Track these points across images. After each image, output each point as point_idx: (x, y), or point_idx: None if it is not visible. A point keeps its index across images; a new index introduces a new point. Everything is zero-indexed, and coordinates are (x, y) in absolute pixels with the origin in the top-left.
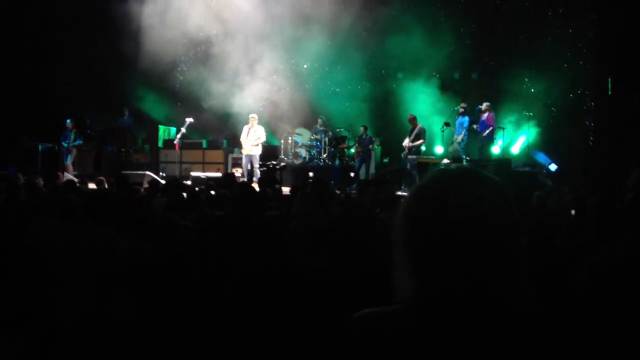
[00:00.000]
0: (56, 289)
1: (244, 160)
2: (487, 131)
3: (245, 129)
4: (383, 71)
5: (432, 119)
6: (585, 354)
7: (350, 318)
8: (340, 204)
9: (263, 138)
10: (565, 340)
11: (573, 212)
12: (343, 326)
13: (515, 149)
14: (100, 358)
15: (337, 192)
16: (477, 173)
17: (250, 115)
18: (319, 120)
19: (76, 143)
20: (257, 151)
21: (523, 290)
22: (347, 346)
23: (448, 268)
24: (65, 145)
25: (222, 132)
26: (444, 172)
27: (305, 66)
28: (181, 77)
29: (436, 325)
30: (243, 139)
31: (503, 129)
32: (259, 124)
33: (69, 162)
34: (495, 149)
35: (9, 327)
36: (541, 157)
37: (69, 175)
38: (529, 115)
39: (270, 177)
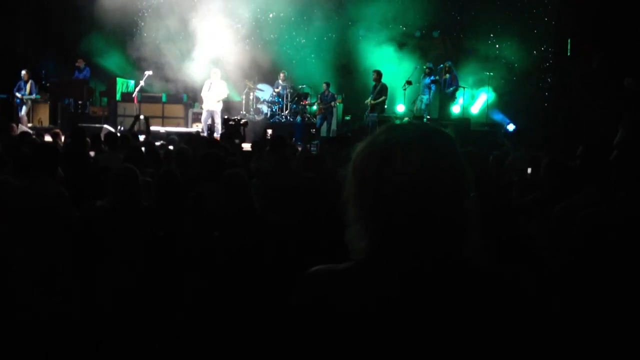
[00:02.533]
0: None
1: (204, 115)
2: (450, 90)
3: (207, 83)
4: (349, 23)
5: (393, 78)
6: (532, 305)
7: (303, 274)
8: (300, 159)
9: (225, 94)
10: (514, 292)
11: (529, 170)
12: (296, 282)
13: (475, 109)
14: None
15: (298, 148)
16: (425, 126)
17: (213, 70)
18: (281, 75)
19: (32, 96)
20: (219, 107)
21: (473, 244)
22: (299, 303)
23: (396, 224)
24: (19, 96)
25: (182, 85)
26: (393, 127)
27: (271, 15)
28: (141, 27)
29: (387, 281)
30: (204, 93)
31: (463, 88)
32: (221, 78)
33: (23, 113)
34: (456, 109)
35: None
36: (500, 117)
37: (23, 127)
38: (490, 75)
39: (233, 133)
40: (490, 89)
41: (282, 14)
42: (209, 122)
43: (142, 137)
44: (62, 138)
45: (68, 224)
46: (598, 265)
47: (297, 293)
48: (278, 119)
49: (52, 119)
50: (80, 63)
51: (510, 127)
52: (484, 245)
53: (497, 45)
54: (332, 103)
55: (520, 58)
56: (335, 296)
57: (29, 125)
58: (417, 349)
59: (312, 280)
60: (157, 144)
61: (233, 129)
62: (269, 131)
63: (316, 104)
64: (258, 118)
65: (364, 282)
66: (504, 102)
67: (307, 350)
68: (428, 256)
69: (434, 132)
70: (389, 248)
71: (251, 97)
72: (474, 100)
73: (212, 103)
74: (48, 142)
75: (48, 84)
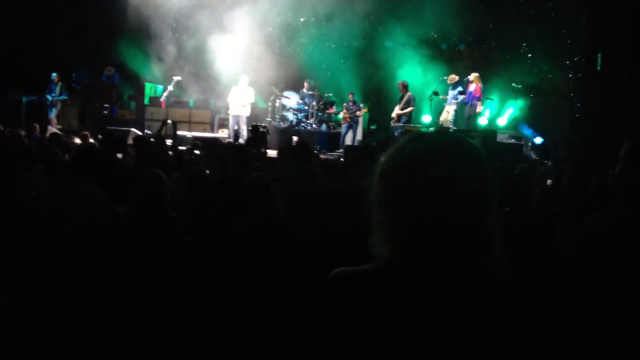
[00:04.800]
0: (43, 246)
1: (230, 121)
2: (475, 102)
3: (234, 89)
4: (379, 29)
5: (420, 88)
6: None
7: (327, 275)
8: (323, 165)
9: (252, 99)
10: (531, 304)
11: (549, 182)
12: (320, 284)
13: (502, 121)
14: (85, 314)
15: (321, 156)
16: (451, 136)
17: (241, 76)
18: (305, 84)
19: (61, 97)
20: (245, 112)
21: (496, 256)
22: (323, 304)
23: (420, 232)
24: (50, 98)
25: (211, 91)
26: (419, 135)
27: (302, 19)
28: (171, 32)
29: (410, 287)
30: (231, 99)
31: (491, 100)
32: (249, 85)
33: (53, 115)
34: (483, 120)
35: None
36: (527, 130)
37: (52, 129)
38: (517, 87)
39: (258, 138)
40: (517, 101)
41: (313, 19)
42: (235, 127)
43: (169, 142)
44: (90, 140)
45: (105, 230)
46: (607, 279)
47: (320, 293)
48: (303, 126)
49: (81, 121)
50: (110, 71)
51: (538, 140)
52: (507, 256)
53: (526, 58)
54: (358, 112)
55: (549, 71)
56: (356, 296)
57: (58, 127)
58: (430, 351)
59: (335, 281)
60: (183, 148)
61: (258, 135)
62: (295, 138)
63: (341, 112)
64: (283, 125)
65: (384, 284)
66: (531, 115)
67: (327, 349)
68: (448, 264)
69: (460, 142)
70: (411, 254)
71: (277, 104)
72: (501, 113)
73: (238, 108)
74: (90, 145)
75: (78, 87)
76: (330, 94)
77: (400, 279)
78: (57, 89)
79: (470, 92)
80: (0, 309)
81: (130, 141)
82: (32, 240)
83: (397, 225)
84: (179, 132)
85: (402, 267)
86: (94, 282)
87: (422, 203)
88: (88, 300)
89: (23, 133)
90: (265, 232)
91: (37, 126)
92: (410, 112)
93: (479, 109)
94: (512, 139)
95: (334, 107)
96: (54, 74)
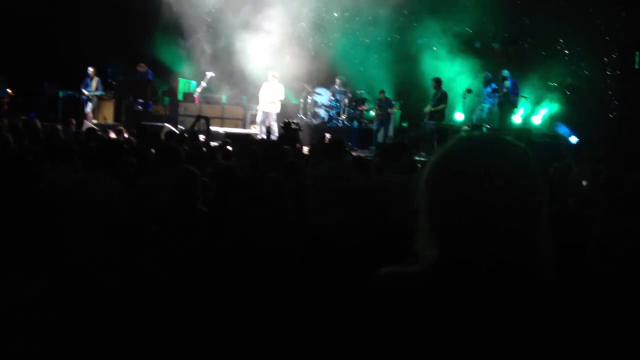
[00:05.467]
0: (67, 235)
1: (259, 117)
2: (511, 99)
3: (265, 85)
4: (414, 25)
5: (453, 85)
6: (600, 322)
7: (374, 275)
8: (355, 162)
9: (282, 96)
10: (580, 308)
11: (584, 183)
12: (366, 282)
13: (536, 120)
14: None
15: (354, 153)
16: (501, 139)
17: (271, 72)
18: (337, 80)
19: (97, 93)
20: (275, 109)
21: (544, 258)
22: (370, 303)
23: (469, 235)
24: (86, 92)
25: (243, 87)
26: (468, 139)
27: (335, 14)
28: (206, 28)
29: (457, 290)
30: (261, 95)
31: (525, 98)
32: (280, 81)
33: (88, 110)
34: (517, 119)
35: (27, 270)
36: (562, 129)
37: (88, 124)
38: (553, 85)
39: (290, 135)
40: (553, 99)
41: (346, 14)
42: (265, 124)
43: (202, 137)
44: (125, 135)
45: (121, 221)
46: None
47: (369, 292)
48: (335, 123)
49: (116, 116)
50: (142, 67)
51: (573, 139)
52: (554, 258)
53: (562, 55)
54: (389, 109)
55: (585, 68)
56: (404, 297)
57: (94, 121)
58: (477, 353)
59: (383, 281)
60: (214, 144)
61: (290, 131)
62: (327, 135)
63: (373, 109)
64: (315, 122)
65: (431, 285)
66: (567, 114)
67: (372, 349)
68: (497, 266)
69: (508, 145)
70: (457, 255)
71: (309, 101)
72: (536, 111)
73: (267, 105)
74: (112, 139)
75: (113, 82)
76: (362, 91)
77: (447, 281)
78: (93, 84)
79: (507, 89)
80: (32, 298)
81: (163, 137)
82: (55, 230)
83: (444, 227)
84: (212, 128)
85: (449, 269)
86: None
87: (470, 203)
88: (110, 288)
89: (60, 127)
90: (274, 228)
91: (74, 121)
92: (442, 110)
93: (514, 107)
94: (547, 137)
95: (366, 104)
96: (90, 68)
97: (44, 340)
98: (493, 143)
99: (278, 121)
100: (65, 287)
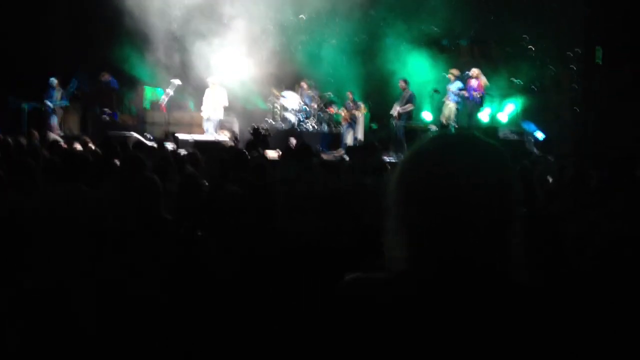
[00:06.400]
0: (37, 250)
1: (204, 124)
2: (476, 97)
3: (207, 92)
4: (380, 25)
5: (421, 85)
6: (573, 320)
7: (341, 282)
8: (323, 165)
9: (225, 102)
10: (555, 309)
11: (550, 179)
12: (333, 290)
13: (503, 117)
14: (87, 315)
15: (323, 156)
16: (474, 137)
17: (210, 79)
18: (303, 84)
19: (62, 104)
20: (217, 115)
21: (516, 257)
22: (337, 310)
23: (441, 236)
24: (50, 104)
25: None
26: (440, 137)
27: (302, 16)
28: (169, 35)
29: (429, 293)
30: (204, 101)
31: (491, 96)
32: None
33: (54, 122)
34: (484, 117)
35: None
36: (529, 126)
37: (53, 135)
38: (518, 82)
39: (259, 141)
40: (518, 97)
41: (313, 15)
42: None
43: (170, 146)
44: (92, 146)
45: (97, 230)
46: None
47: (335, 299)
48: (304, 127)
49: (83, 127)
50: (104, 76)
51: (540, 135)
52: (526, 259)
53: (526, 53)
54: (355, 111)
55: (551, 65)
56: (374, 306)
57: (60, 133)
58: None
59: (350, 288)
60: (183, 152)
61: (259, 137)
62: (293, 140)
63: (341, 111)
64: (285, 126)
65: (402, 293)
66: (533, 111)
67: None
68: (470, 269)
69: (481, 143)
70: (429, 259)
71: (277, 105)
72: (502, 108)
73: (209, 112)
74: (77, 150)
75: (78, 93)
76: (330, 93)
77: (415, 286)
78: (57, 95)
79: (471, 87)
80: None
81: (130, 146)
82: (25, 244)
83: (414, 227)
84: (180, 136)
85: (421, 275)
86: (86, 281)
87: (442, 203)
88: (81, 299)
89: (24, 141)
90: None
91: (36, 133)
92: (410, 111)
93: (481, 105)
94: (513, 134)
95: (334, 107)
96: (53, 79)
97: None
98: (466, 141)
99: (242, 126)
100: (28, 308)
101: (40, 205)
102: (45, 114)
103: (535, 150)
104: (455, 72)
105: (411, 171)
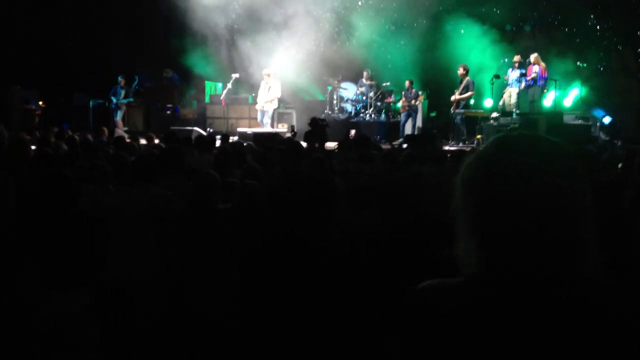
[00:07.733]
0: (114, 250)
1: (259, 116)
2: (540, 83)
3: (261, 84)
4: (440, 9)
5: (482, 71)
6: None
7: (415, 289)
8: (383, 159)
9: (278, 94)
10: (630, 313)
11: (620, 166)
12: (406, 297)
13: (567, 102)
14: (156, 315)
15: (382, 146)
16: (540, 139)
17: (264, 72)
18: (364, 74)
19: (126, 100)
20: (271, 107)
21: (591, 259)
22: (411, 317)
23: (506, 240)
24: (114, 101)
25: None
26: (503, 139)
27: (359, 3)
28: (229, 30)
29: (502, 299)
30: (259, 94)
31: (555, 80)
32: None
33: (118, 118)
34: (547, 102)
35: (72, 287)
36: (595, 110)
37: (119, 132)
38: (583, 66)
39: (317, 132)
40: (583, 80)
41: (370, 1)
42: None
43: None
44: (156, 141)
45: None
46: None
47: (408, 307)
48: (362, 117)
49: (146, 122)
50: (167, 73)
51: (606, 119)
52: (601, 261)
53: (592, 34)
54: (414, 101)
55: (616, 48)
56: (448, 313)
57: (125, 129)
58: None
59: (424, 296)
60: (245, 144)
61: (317, 128)
62: (352, 131)
63: (400, 101)
64: (342, 117)
65: (475, 298)
66: (599, 94)
67: None
68: (542, 274)
69: (548, 145)
70: (500, 264)
71: (335, 96)
72: (566, 93)
73: (263, 104)
74: (149, 151)
75: (141, 89)
76: (388, 83)
77: (491, 294)
78: (122, 92)
79: (533, 73)
80: (74, 311)
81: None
82: (98, 244)
83: (483, 233)
84: (240, 129)
85: (493, 280)
86: (157, 282)
87: (509, 208)
88: (150, 298)
89: (90, 137)
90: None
91: (106, 130)
92: (469, 97)
93: (543, 90)
94: (579, 119)
95: (392, 96)
96: (120, 77)
97: (86, 356)
98: (532, 143)
99: (298, 118)
100: (107, 303)
101: (118, 205)
102: (110, 110)
103: (602, 135)
104: (517, 58)
105: (473, 176)
